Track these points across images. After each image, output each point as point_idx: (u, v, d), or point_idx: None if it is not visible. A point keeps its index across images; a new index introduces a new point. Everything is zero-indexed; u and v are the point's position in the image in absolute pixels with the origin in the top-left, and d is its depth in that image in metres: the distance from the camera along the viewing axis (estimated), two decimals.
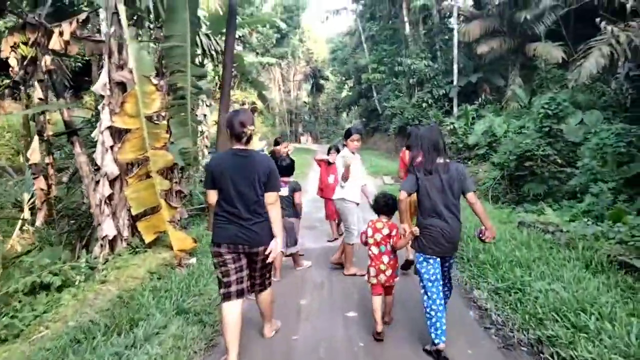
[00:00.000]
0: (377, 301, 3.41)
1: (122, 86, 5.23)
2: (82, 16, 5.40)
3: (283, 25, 22.36)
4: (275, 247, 3.03)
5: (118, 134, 5.27)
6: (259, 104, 24.47)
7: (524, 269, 4.17)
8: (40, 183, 6.39)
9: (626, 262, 4.20)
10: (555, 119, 11.77)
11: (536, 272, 4.03)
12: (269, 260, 3.05)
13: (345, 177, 4.68)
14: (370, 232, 3.49)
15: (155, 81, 5.28)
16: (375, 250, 3.46)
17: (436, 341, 3.03)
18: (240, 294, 3.04)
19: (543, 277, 3.89)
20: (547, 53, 15.29)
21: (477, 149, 15.14)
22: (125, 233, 5.55)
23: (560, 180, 11.27)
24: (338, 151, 5.93)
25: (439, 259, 3.15)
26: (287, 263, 5.42)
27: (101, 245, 5.42)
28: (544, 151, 10.89)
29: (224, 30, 12.02)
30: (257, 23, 20.32)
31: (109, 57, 5.08)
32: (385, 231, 3.43)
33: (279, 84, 41.23)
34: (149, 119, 5.23)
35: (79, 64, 13.90)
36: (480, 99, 17.47)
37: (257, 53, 32.67)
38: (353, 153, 4.89)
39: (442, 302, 3.10)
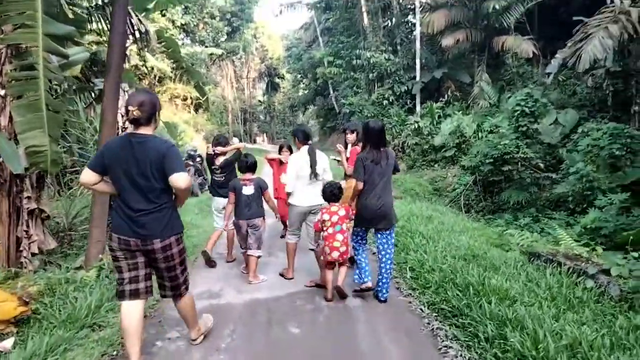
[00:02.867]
0: (330, 274, 3.83)
1: None
2: None
3: (221, 2, 20.35)
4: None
5: None
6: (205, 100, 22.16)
7: None
8: None
9: None
10: (532, 118, 10.36)
11: None
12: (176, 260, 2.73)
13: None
14: (326, 217, 3.79)
15: None
16: (330, 230, 3.76)
17: (364, 281, 3.81)
18: (134, 294, 2.73)
19: None
20: (517, 47, 14.17)
21: (444, 150, 13.67)
22: None
23: (540, 187, 9.89)
24: (290, 149, 5.70)
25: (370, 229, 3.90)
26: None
27: None
28: (524, 153, 9.41)
29: (149, 6, 9.85)
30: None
31: None
32: (342, 212, 3.80)
33: (232, 81, 38.77)
34: None
35: None
36: (446, 95, 16.07)
37: (206, 46, 30.20)
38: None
39: (367, 258, 3.88)
